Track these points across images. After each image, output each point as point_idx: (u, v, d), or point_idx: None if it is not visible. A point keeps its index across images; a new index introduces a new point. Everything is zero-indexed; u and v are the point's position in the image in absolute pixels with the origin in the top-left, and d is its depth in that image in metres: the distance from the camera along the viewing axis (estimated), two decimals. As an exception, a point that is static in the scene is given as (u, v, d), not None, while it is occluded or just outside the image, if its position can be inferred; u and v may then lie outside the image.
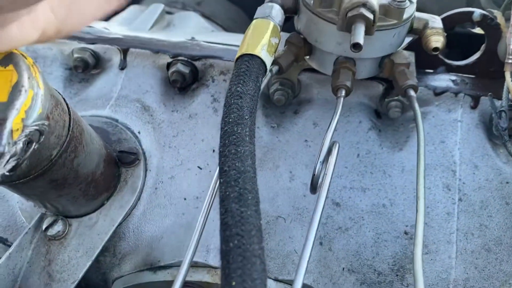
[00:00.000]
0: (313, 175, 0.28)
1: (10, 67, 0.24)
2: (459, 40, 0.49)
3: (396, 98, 0.37)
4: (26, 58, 0.24)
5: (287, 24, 0.35)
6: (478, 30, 0.38)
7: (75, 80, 0.43)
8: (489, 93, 0.36)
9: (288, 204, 0.36)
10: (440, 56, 0.39)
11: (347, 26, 0.30)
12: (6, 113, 0.23)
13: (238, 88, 0.28)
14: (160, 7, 0.54)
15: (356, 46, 0.28)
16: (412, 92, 0.33)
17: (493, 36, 0.37)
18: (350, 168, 0.37)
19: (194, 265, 0.34)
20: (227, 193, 0.23)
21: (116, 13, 0.57)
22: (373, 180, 0.36)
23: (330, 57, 0.34)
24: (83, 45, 0.42)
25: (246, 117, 0.27)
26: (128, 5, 0.58)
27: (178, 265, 0.34)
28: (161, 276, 0.35)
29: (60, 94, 0.28)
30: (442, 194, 0.36)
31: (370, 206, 0.35)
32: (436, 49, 0.33)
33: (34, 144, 0.24)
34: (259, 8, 0.34)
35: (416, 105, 0.32)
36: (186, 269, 0.25)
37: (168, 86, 0.41)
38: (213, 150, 0.38)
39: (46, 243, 0.35)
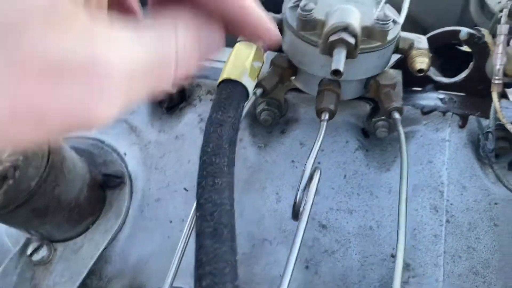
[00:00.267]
0: (294, 202, 0.28)
1: None
2: (457, 52, 0.48)
3: (383, 118, 0.37)
4: None
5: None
6: (466, 48, 0.37)
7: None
8: (477, 113, 0.35)
9: (275, 226, 0.35)
10: (429, 74, 0.39)
11: (329, 50, 0.30)
12: None
13: (218, 116, 0.28)
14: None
15: (336, 73, 0.28)
16: (397, 115, 0.33)
17: (481, 55, 0.36)
18: (336, 189, 0.36)
19: (178, 290, 0.34)
20: (202, 227, 0.23)
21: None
22: (360, 202, 0.36)
23: (314, 78, 0.34)
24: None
25: (226, 146, 0.27)
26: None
27: (163, 290, 0.34)
28: (147, 300, 0.34)
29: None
30: (430, 215, 0.35)
31: (357, 228, 0.35)
32: (421, 70, 0.33)
33: (9, 179, 0.24)
34: (242, 31, 0.34)
35: (401, 129, 0.32)
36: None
37: (156, 106, 0.41)
38: (200, 171, 0.38)
39: (31, 268, 0.35)
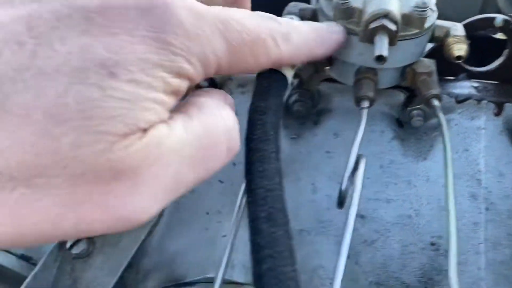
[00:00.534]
0: (340, 190, 0.28)
1: None
2: (476, 44, 0.48)
3: (418, 106, 0.37)
4: None
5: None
6: (500, 36, 0.37)
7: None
8: (514, 100, 0.35)
9: (312, 217, 0.35)
10: (461, 63, 0.39)
11: (369, 38, 0.30)
12: None
13: (261, 104, 0.28)
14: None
15: (380, 58, 0.28)
16: (436, 102, 0.33)
17: (516, 42, 0.36)
18: (373, 179, 0.36)
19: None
20: (256, 212, 0.23)
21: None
22: (397, 191, 0.36)
23: (351, 67, 0.34)
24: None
25: (271, 133, 0.27)
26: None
27: (203, 281, 0.34)
28: (187, 292, 0.34)
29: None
30: (468, 203, 0.35)
31: (395, 218, 0.35)
32: (459, 57, 0.33)
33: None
34: (278, 21, 0.34)
35: (442, 115, 0.32)
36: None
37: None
38: (234, 164, 0.38)
39: (70, 262, 0.35)
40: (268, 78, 0.30)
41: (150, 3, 0.19)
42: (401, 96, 0.38)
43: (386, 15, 0.29)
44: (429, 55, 0.38)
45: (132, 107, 0.17)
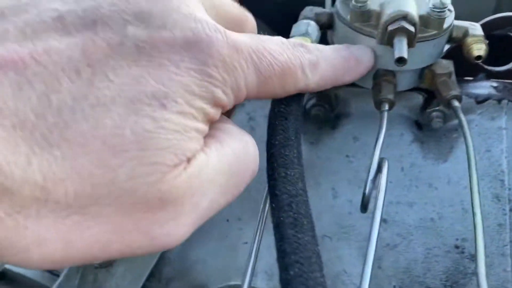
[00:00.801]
0: (364, 194, 0.27)
1: None
2: (493, 43, 0.48)
3: (437, 108, 0.36)
4: None
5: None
6: (518, 35, 0.37)
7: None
8: (535, 99, 0.35)
9: (333, 222, 0.35)
10: (479, 63, 0.38)
11: (388, 40, 0.30)
12: None
13: (281, 109, 0.28)
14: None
15: (401, 60, 0.28)
16: (456, 103, 0.32)
17: (536, 40, 0.36)
18: (395, 183, 0.36)
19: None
20: (281, 218, 0.23)
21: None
22: (419, 194, 0.35)
23: (370, 70, 0.34)
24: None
25: (293, 138, 0.27)
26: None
27: (226, 289, 0.34)
28: (209, 300, 0.34)
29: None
30: (492, 205, 0.34)
31: (417, 221, 0.35)
32: (479, 57, 0.32)
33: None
34: (294, 26, 0.34)
35: (462, 116, 0.32)
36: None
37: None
38: (253, 170, 0.38)
39: (93, 272, 0.35)
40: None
41: (196, 37, 0.20)
42: (419, 98, 0.37)
43: (405, 17, 0.29)
44: (446, 56, 0.37)
45: (181, 137, 0.18)
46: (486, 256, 0.33)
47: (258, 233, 0.26)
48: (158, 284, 0.37)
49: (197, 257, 0.36)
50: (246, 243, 0.36)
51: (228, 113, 0.29)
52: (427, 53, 0.33)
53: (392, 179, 0.36)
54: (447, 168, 0.36)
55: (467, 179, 0.29)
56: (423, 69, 0.34)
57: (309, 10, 0.35)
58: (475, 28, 0.34)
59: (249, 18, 0.26)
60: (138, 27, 0.19)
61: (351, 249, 0.34)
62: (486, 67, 0.39)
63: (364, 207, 0.28)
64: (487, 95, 0.37)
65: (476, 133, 0.37)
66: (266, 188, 0.26)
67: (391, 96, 0.32)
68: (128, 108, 0.17)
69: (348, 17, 0.32)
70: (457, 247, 0.34)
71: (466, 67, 0.38)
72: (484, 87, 0.38)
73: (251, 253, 0.26)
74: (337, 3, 0.34)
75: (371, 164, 0.28)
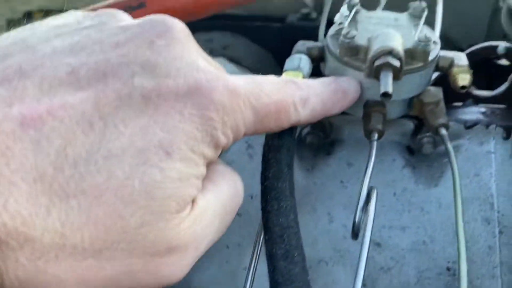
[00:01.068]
0: (354, 222, 0.29)
1: None
2: (485, 67, 0.49)
3: (427, 134, 0.38)
4: None
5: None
6: (504, 62, 0.38)
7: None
8: (521, 124, 0.36)
9: (329, 247, 0.36)
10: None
11: (375, 74, 0.31)
12: None
13: (274, 142, 0.29)
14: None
15: (386, 95, 0.29)
16: (443, 131, 0.34)
17: (520, 67, 0.37)
18: (387, 207, 0.37)
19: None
20: (274, 250, 0.24)
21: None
22: (411, 218, 0.37)
23: (360, 101, 0.35)
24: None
25: (285, 170, 0.29)
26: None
27: (226, 314, 0.35)
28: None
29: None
30: (482, 227, 0.36)
31: (410, 244, 0.36)
32: (463, 87, 0.34)
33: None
34: (287, 60, 0.35)
35: (449, 144, 0.33)
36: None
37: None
38: (251, 197, 0.39)
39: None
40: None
41: (198, 84, 0.21)
42: (410, 125, 0.39)
43: (390, 52, 0.31)
44: (437, 82, 0.39)
45: (182, 185, 0.20)
46: (477, 278, 0.35)
47: (253, 263, 0.28)
48: (162, 309, 0.38)
49: (198, 283, 0.37)
50: (246, 269, 0.37)
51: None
52: (414, 84, 0.34)
53: (385, 203, 0.38)
54: (438, 192, 0.37)
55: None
56: (412, 98, 0.36)
57: (301, 45, 0.37)
58: (460, 58, 0.35)
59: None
60: (145, 77, 0.20)
61: (346, 273, 0.35)
62: (474, 92, 0.40)
63: (355, 235, 0.29)
64: (475, 121, 0.39)
65: (465, 158, 0.38)
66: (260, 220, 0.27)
67: (380, 126, 0.33)
68: (137, 158, 0.19)
69: (338, 51, 0.34)
70: (448, 269, 0.35)
71: (455, 93, 0.40)
72: (473, 113, 0.39)
73: (247, 282, 0.27)
74: (327, 37, 0.35)
75: (360, 193, 0.29)
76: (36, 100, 0.18)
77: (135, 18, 0.24)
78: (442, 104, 0.36)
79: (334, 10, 0.39)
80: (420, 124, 0.38)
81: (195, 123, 0.21)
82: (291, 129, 0.31)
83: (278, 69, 0.35)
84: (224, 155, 0.41)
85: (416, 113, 0.37)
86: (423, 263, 0.35)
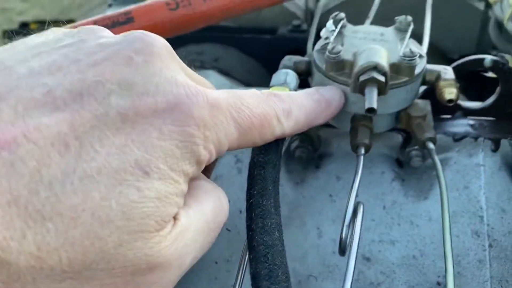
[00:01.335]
0: (341, 238, 0.29)
1: None
2: (476, 79, 0.49)
3: (416, 147, 0.38)
4: None
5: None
6: (491, 75, 0.38)
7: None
8: (509, 137, 0.36)
9: (318, 262, 0.36)
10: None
11: (360, 89, 0.31)
12: None
13: (260, 158, 0.29)
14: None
15: (371, 111, 0.29)
16: (431, 145, 0.34)
17: (507, 80, 0.37)
18: (377, 221, 0.37)
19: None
20: (258, 270, 0.24)
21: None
22: (401, 232, 0.36)
23: (346, 115, 0.35)
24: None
25: (270, 187, 0.28)
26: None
27: (214, 331, 0.35)
28: None
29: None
30: (472, 241, 0.35)
31: (400, 259, 0.36)
32: (450, 100, 0.34)
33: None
34: (274, 75, 0.35)
35: (436, 158, 0.33)
36: None
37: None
38: (240, 211, 0.39)
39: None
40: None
41: (177, 100, 0.21)
42: (399, 138, 0.39)
43: (375, 68, 0.31)
44: (425, 95, 0.39)
45: (161, 204, 0.20)
46: (467, 292, 0.34)
47: (238, 281, 0.28)
48: (151, 326, 0.37)
49: (188, 299, 0.37)
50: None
51: (210, 165, 0.30)
52: (400, 98, 0.34)
53: (374, 217, 0.37)
54: (427, 205, 0.37)
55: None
56: (399, 111, 0.36)
57: (287, 60, 0.37)
58: (447, 72, 0.35)
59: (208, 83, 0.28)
60: (122, 95, 0.20)
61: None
62: (462, 105, 0.40)
63: (342, 251, 0.29)
64: (464, 133, 0.38)
65: (454, 170, 0.38)
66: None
67: (366, 141, 0.33)
68: (114, 179, 0.18)
69: (324, 66, 0.34)
70: (439, 284, 0.35)
71: (444, 106, 0.40)
72: (461, 125, 0.39)
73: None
74: (314, 52, 0.35)
75: (346, 209, 0.29)
76: (11, 123, 0.18)
77: (121, 33, 0.24)
78: (429, 118, 0.36)
79: (324, 23, 0.39)
80: (408, 137, 0.38)
81: (174, 140, 0.20)
82: (277, 145, 0.30)
83: (269, 81, 0.35)
84: (214, 169, 0.41)
85: (404, 127, 0.37)
86: (414, 278, 0.35)
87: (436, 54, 0.60)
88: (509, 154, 0.38)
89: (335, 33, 0.35)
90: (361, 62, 0.31)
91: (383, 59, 0.31)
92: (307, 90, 0.31)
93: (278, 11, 0.63)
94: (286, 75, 0.35)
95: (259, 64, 0.66)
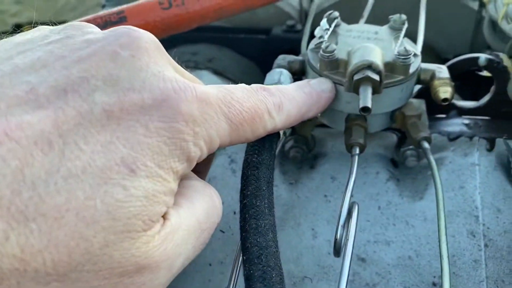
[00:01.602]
0: (335, 239, 0.28)
1: None
2: (471, 78, 0.49)
3: (411, 147, 0.37)
4: None
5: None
6: (485, 73, 0.38)
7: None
8: (504, 136, 0.36)
9: (313, 263, 0.36)
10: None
11: (354, 88, 0.31)
12: None
13: (253, 159, 0.29)
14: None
15: (365, 110, 0.29)
16: (426, 144, 0.34)
17: (501, 79, 0.37)
18: (372, 222, 0.37)
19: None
20: (251, 271, 0.24)
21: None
22: (396, 232, 0.36)
23: (341, 114, 0.35)
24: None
25: (264, 188, 0.28)
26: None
27: (208, 334, 0.34)
28: None
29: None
30: (467, 241, 0.35)
31: (396, 259, 0.35)
32: (445, 99, 0.33)
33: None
34: (268, 75, 0.35)
35: (431, 157, 0.33)
36: None
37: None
38: (234, 212, 0.39)
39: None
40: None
41: (164, 95, 0.20)
42: (394, 138, 0.39)
43: (369, 66, 0.31)
44: (420, 94, 0.39)
45: (149, 203, 0.19)
46: (463, 292, 0.34)
47: (232, 283, 0.27)
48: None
49: (181, 302, 0.36)
50: (228, 286, 0.36)
51: (205, 163, 0.30)
52: (395, 97, 0.34)
53: (369, 217, 0.37)
54: (423, 205, 0.37)
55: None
56: (394, 111, 0.36)
57: (281, 59, 0.37)
58: (441, 71, 0.35)
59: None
60: (106, 91, 0.19)
61: (331, 290, 0.35)
62: (457, 104, 0.40)
63: (336, 252, 0.28)
64: (459, 132, 0.38)
65: (450, 170, 0.38)
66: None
67: (361, 140, 0.33)
68: (99, 177, 0.18)
69: (318, 65, 0.34)
70: (434, 284, 0.34)
71: (439, 105, 0.40)
72: (456, 125, 0.39)
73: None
74: (308, 51, 0.35)
75: (341, 209, 0.29)
76: None
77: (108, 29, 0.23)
78: (424, 117, 0.36)
79: (318, 23, 0.38)
80: (403, 136, 0.38)
81: (162, 136, 0.20)
82: (271, 145, 0.30)
83: (263, 81, 0.35)
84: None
85: (399, 126, 0.36)
86: (409, 278, 0.35)
87: (431, 54, 0.60)
88: (504, 154, 0.37)
89: (329, 32, 0.35)
90: (355, 61, 0.31)
91: (378, 57, 0.31)
92: (297, 83, 0.30)
93: (273, 11, 0.63)
94: (280, 74, 0.34)
95: (253, 64, 0.66)
